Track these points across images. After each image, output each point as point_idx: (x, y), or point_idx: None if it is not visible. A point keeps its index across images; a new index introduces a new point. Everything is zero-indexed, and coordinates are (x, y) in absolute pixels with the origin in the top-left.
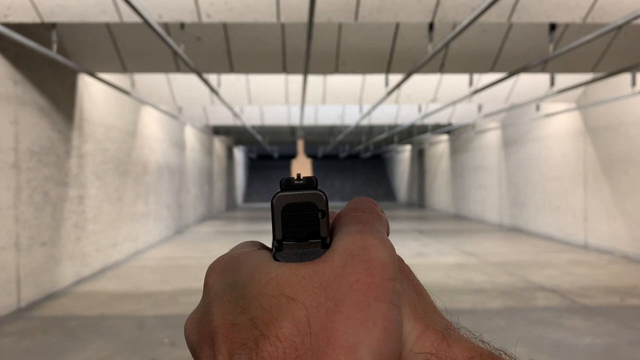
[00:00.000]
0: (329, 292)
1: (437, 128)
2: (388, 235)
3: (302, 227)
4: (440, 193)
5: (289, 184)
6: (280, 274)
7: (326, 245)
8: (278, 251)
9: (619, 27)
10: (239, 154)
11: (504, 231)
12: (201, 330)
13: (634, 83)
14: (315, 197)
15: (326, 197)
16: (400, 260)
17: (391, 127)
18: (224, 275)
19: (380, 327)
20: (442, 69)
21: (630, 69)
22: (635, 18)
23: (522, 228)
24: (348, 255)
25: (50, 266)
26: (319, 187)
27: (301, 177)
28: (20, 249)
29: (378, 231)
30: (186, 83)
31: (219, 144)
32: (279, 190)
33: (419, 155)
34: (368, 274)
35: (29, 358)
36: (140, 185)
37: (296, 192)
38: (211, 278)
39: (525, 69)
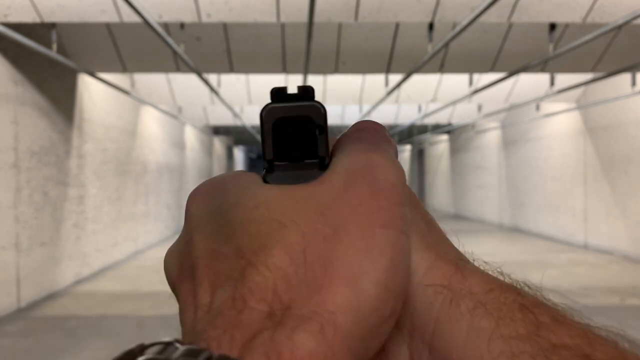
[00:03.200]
0: (328, 217)
1: (437, 128)
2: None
3: (297, 145)
4: (440, 193)
5: (281, 94)
6: (270, 197)
7: (324, 166)
8: (269, 173)
9: (619, 27)
10: (239, 154)
11: (504, 231)
12: (182, 263)
13: (634, 83)
14: (312, 110)
15: (325, 110)
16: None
17: (391, 127)
18: (208, 200)
19: (387, 257)
20: (442, 69)
21: (630, 69)
22: (635, 18)
23: (522, 228)
24: (350, 175)
25: (50, 266)
26: (316, 99)
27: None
28: (20, 249)
29: (385, 150)
30: (186, 83)
31: (219, 144)
32: (270, 102)
33: (419, 155)
34: (373, 197)
35: (29, 358)
36: (140, 185)
37: (290, 104)
38: (193, 204)
39: (525, 69)
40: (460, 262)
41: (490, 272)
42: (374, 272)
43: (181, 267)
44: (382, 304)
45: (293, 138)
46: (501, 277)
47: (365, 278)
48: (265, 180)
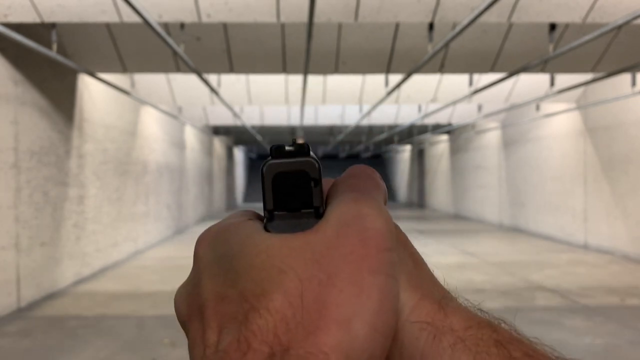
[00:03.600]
0: (322, 264)
1: (437, 128)
2: (385, 204)
3: (294, 197)
4: (440, 193)
5: (279, 151)
6: (270, 245)
7: (319, 215)
8: (269, 222)
9: (619, 27)
10: (239, 154)
11: (504, 231)
12: (190, 303)
13: (634, 83)
14: (308, 165)
15: (319, 165)
16: (396, 228)
17: (391, 127)
18: (214, 246)
19: (375, 300)
20: (442, 69)
21: (630, 69)
22: (635, 18)
23: (522, 228)
24: (342, 225)
25: (50, 266)
26: (311, 154)
27: (293, 143)
28: (20, 249)
29: (374, 199)
30: (186, 83)
31: (219, 144)
32: (269, 157)
33: (419, 155)
34: (362, 245)
35: (29, 358)
36: (140, 185)
37: (287, 160)
38: (200, 249)
39: (525, 69)
40: (443, 301)
41: (471, 310)
42: (363, 315)
43: (190, 306)
44: (371, 343)
45: (291, 190)
46: (480, 314)
47: (356, 320)
48: (266, 229)
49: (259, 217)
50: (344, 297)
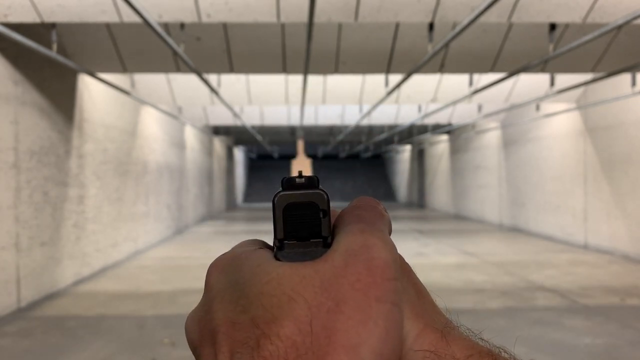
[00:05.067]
0: (330, 292)
1: (437, 128)
2: (390, 234)
3: (304, 227)
4: (440, 193)
5: (290, 183)
6: (281, 273)
7: (327, 245)
8: (279, 250)
9: (619, 27)
10: (239, 154)
11: (504, 231)
12: (202, 329)
13: (634, 83)
14: (317, 197)
15: (328, 197)
16: (400, 258)
17: (391, 127)
18: (225, 273)
19: (382, 328)
20: (442, 69)
21: (630, 69)
22: (635, 18)
23: (522, 228)
24: (349, 254)
25: (50, 266)
26: (320, 187)
27: (302, 176)
28: (20, 249)
29: (379, 230)
30: (186, 83)
31: (219, 144)
32: (280, 189)
33: (419, 155)
34: (369, 274)
35: (29, 358)
36: (140, 185)
37: (298, 192)
38: (212, 276)
39: (525, 69)
40: (445, 329)
41: (472, 338)
42: (370, 342)
43: (201, 332)
44: None
45: (300, 220)
46: (482, 343)
47: (363, 347)
48: (276, 257)
49: (267, 246)
50: (352, 324)
